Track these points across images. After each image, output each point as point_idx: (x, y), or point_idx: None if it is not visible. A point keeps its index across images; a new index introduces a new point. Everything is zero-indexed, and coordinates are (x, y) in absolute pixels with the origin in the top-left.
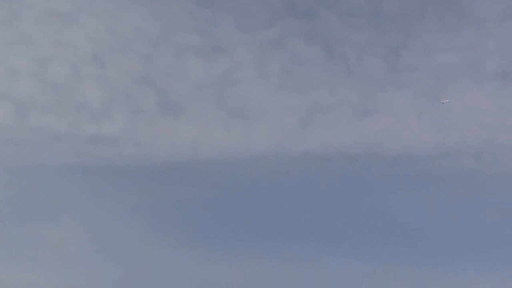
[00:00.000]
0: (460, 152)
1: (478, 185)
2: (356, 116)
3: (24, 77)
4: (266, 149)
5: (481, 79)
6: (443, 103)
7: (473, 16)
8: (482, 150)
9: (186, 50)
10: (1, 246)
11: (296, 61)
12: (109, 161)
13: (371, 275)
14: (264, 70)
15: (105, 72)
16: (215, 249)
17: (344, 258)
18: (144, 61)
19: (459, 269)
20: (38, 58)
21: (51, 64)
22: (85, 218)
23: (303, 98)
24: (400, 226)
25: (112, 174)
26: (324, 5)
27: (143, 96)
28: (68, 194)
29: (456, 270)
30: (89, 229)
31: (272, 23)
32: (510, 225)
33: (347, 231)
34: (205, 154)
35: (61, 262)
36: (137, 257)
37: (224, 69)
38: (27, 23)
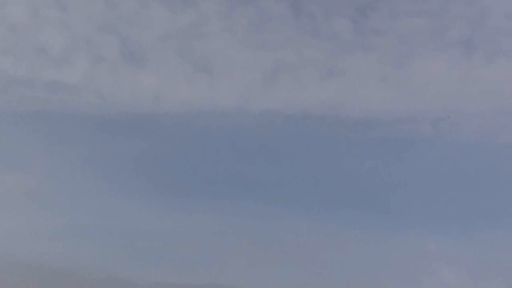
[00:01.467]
0: (420, 118)
1: (437, 151)
2: (321, 76)
3: None
4: (229, 104)
5: (445, 46)
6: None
7: None
8: (441, 117)
9: None
10: None
11: (263, 17)
12: (68, 109)
13: (327, 234)
14: (231, 25)
15: (66, 16)
16: (171, 202)
17: (302, 217)
18: (107, 7)
19: (416, 230)
20: None
21: (10, 4)
22: (42, 164)
23: (269, 55)
24: (358, 188)
25: (70, 122)
26: None
27: (105, 43)
28: (25, 140)
29: (412, 231)
30: (45, 176)
31: None
32: (465, 190)
33: (306, 191)
34: (166, 106)
35: (15, 208)
36: (91, 206)
37: (190, 21)
38: None
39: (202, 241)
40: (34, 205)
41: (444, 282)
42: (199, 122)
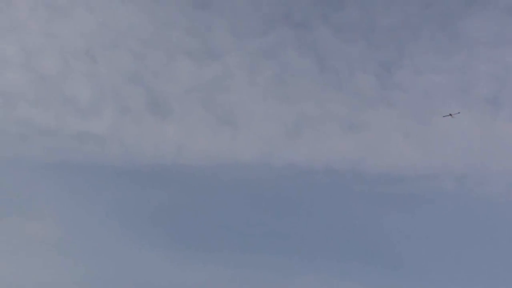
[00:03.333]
0: (443, 174)
1: (460, 209)
2: (343, 131)
3: (13, 67)
4: (252, 158)
5: (470, 103)
6: (451, 115)
7: (467, 39)
8: (465, 174)
9: (178, 51)
10: None
11: (287, 71)
12: (94, 160)
13: None
14: (255, 78)
15: (95, 67)
16: (192, 254)
17: (321, 273)
18: (135, 60)
19: None
20: (28, 48)
21: (42, 55)
22: (66, 215)
23: (292, 109)
24: (380, 246)
25: (96, 172)
26: (318, 17)
27: (132, 95)
28: (51, 190)
29: None
30: (69, 226)
31: (266, 31)
32: (491, 249)
33: (326, 245)
34: (189, 158)
35: (39, 257)
36: (112, 257)
37: (215, 74)
38: (21, 12)
39: None
40: (56, 255)
41: None
42: (221, 174)
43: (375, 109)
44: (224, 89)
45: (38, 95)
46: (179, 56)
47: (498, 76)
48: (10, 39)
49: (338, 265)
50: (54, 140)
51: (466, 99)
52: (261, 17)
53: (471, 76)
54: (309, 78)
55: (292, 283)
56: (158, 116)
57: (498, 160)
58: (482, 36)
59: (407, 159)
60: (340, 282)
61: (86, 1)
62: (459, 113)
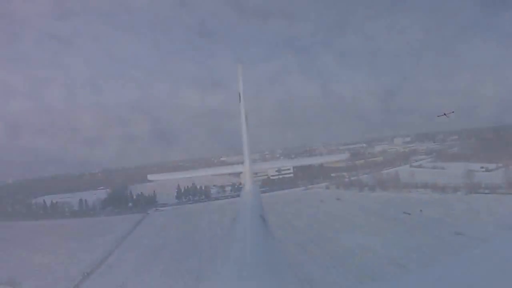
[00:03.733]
0: None
1: None
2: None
3: (18, 97)
4: None
5: (473, 123)
6: (445, 114)
7: (469, 63)
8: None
9: (182, 80)
10: None
11: (291, 96)
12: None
13: None
14: (260, 104)
15: (100, 97)
16: None
17: None
18: (140, 89)
19: None
20: (35, 79)
21: (47, 85)
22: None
23: (297, 134)
24: None
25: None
26: (321, 43)
27: (136, 123)
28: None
29: None
30: None
31: (269, 58)
32: None
33: None
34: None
35: None
36: None
37: (219, 102)
38: (27, 44)
39: None
40: None
41: None
42: None
43: (380, 132)
44: (228, 116)
45: (43, 124)
46: (184, 84)
47: (500, 98)
48: (16, 69)
49: None
50: (59, 168)
51: (469, 120)
52: (263, 43)
53: (473, 99)
54: (313, 102)
55: None
56: (163, 144)
57: None
58: (484, 61)
59: None
60: None
61: (91, 32)
62: (453, 112)
